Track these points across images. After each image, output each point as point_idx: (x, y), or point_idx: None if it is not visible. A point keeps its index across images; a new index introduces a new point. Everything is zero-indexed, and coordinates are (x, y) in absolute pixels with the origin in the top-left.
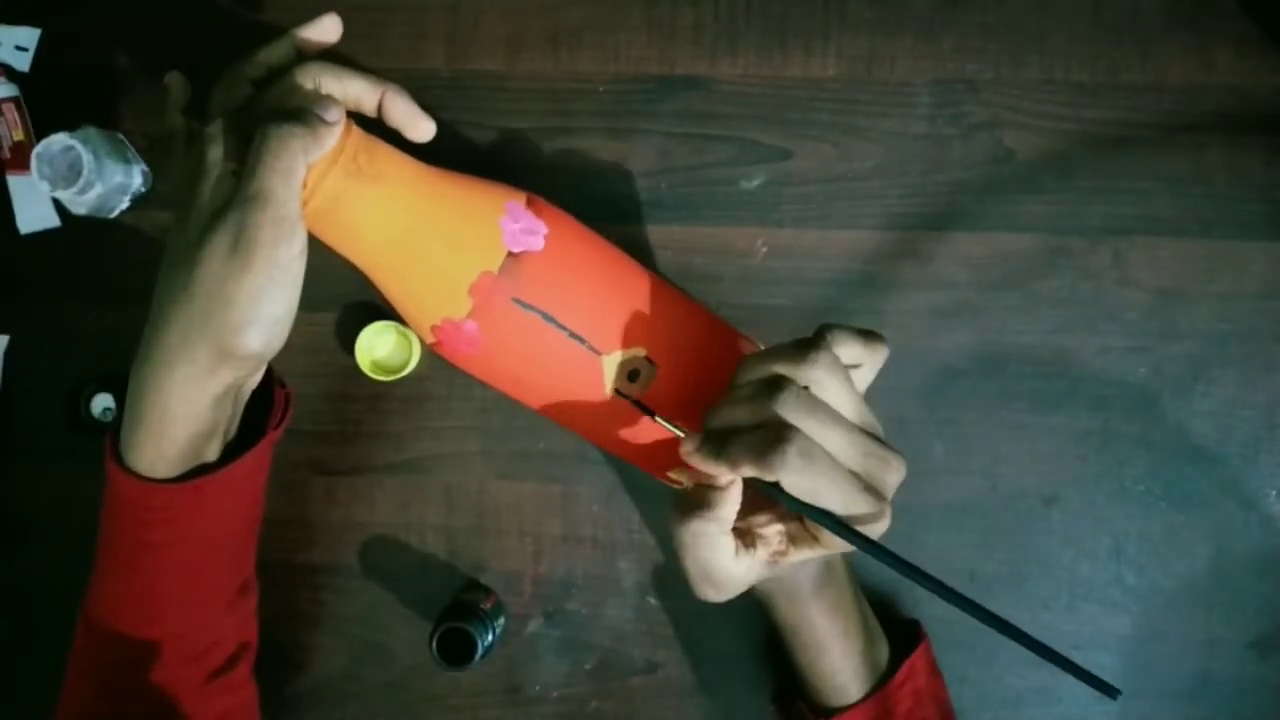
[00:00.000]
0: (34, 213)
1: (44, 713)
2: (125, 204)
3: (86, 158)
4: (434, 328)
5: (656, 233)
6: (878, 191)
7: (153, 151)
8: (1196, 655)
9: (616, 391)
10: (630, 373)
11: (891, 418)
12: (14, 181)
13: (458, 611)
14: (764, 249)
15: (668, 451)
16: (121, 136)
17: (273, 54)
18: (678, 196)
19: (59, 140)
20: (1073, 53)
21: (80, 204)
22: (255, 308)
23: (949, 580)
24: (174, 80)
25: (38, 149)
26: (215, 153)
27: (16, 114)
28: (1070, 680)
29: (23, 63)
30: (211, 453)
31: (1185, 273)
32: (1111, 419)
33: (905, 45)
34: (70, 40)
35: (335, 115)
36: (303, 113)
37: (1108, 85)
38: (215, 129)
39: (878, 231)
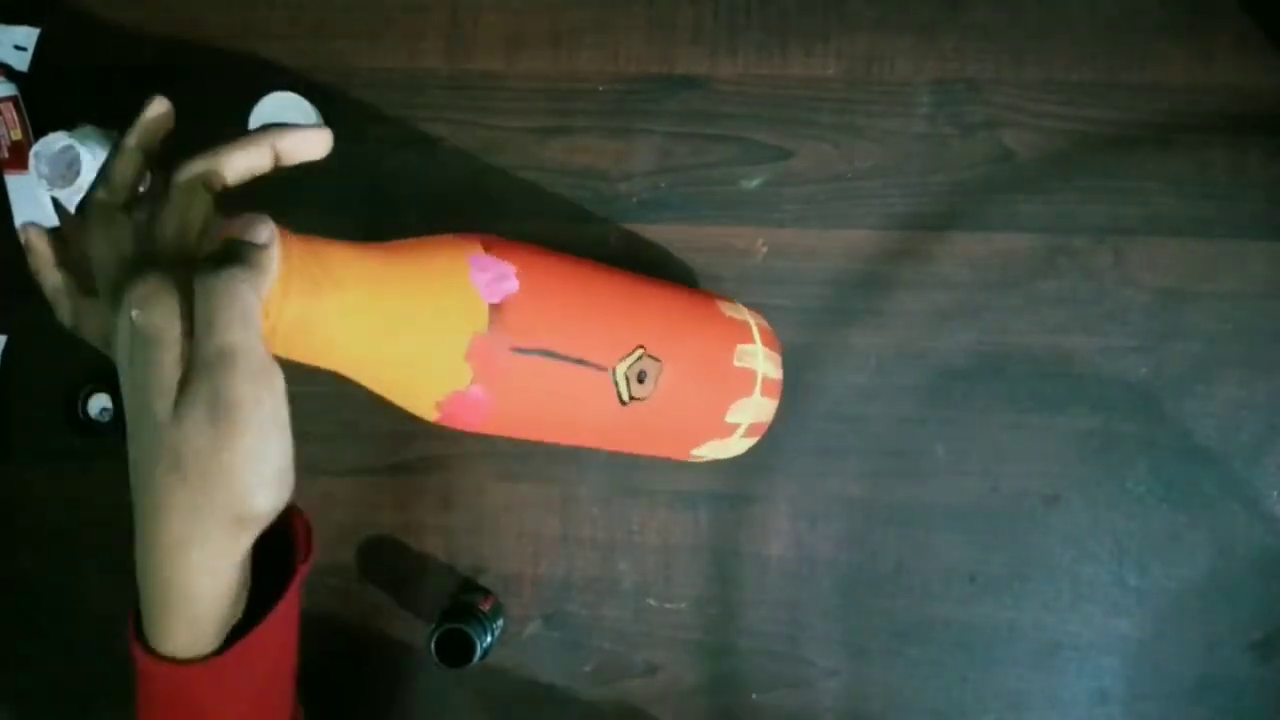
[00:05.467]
0: (32, 212)
1: (44, 710)
2: None
3: (85, 157)
4: (439, 404)
5: (656, 233)
6: (878, 191)
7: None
8: (1198, 656)
9: (633, 398)
10: (639, 374)
11: (892, 418)
12: (12, 181)
13: (457, 612)
14: (764, 249)
15: (687, 432)
16: (120, 136)
17: (125, 170)
18: (678, 196)
19: (57, 139)
20: (1073, 53)
21: (79, 202)
22: (257, 470)
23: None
24: (32, 234)
25: (36, 148)
26: (156, 319)
27: (15, 113)
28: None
29: (22, 62)
30: (241, 608)
31: (1186, 272)
32: (1113, 419)
33: (905, 45)
34: (70, 40)
35: (266, 234)
36: (231, 248)
37: (1108, 85)
38: (145, 290)
39: (878, 231)
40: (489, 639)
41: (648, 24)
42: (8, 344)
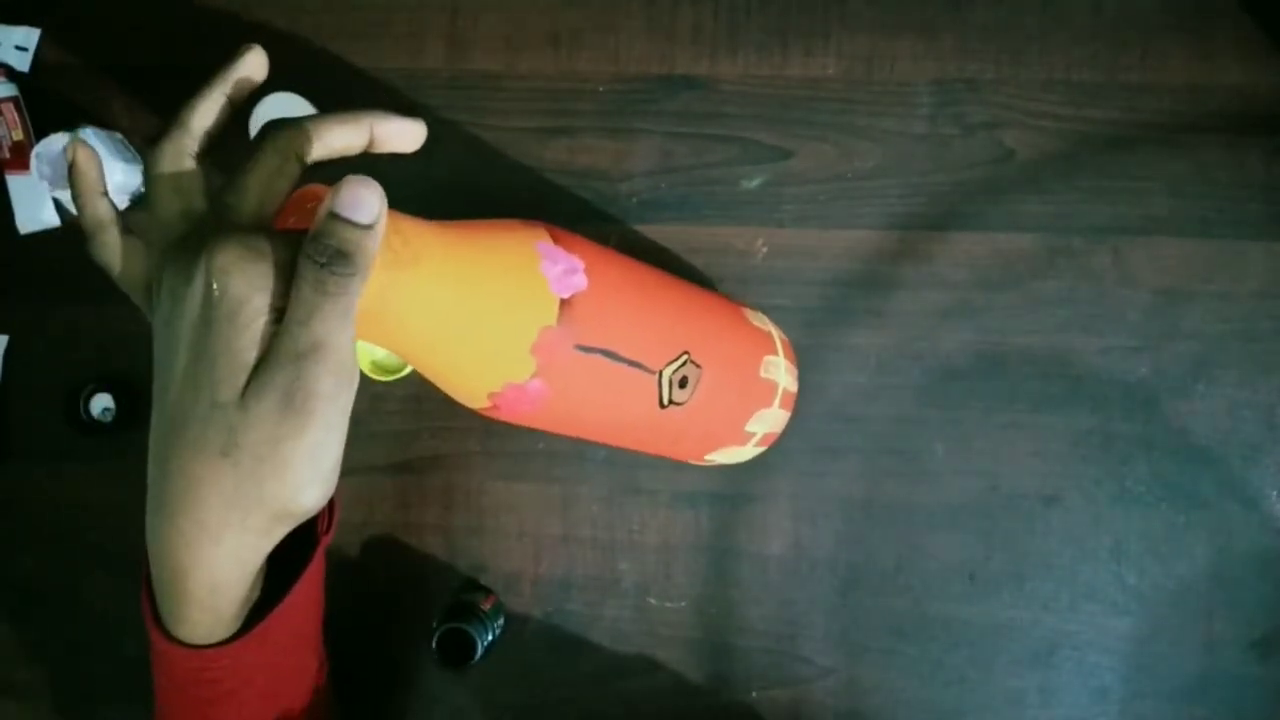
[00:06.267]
0: (33, 213)
1: (44, 710)
2: (124, 203)
3: None
4: (492, 394)
5: (656, 233)
6: (878, 191)
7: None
8: (1197, 655)
9: (672, 402)
10: (682, 380)
11: (892, 418)
12: (13, 181)
13: (458, 611)
14: (764, 249)
15: (708, 438)
16: (121, 136)
17: (205, 118)
18: (678, 196)
19: (58, 140)
20: (1073, 52)
21: None
22: (314, 465)
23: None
24: (81, 155)
25: (37, 149)
26: (243, 290)
27: (16, 114)
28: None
29: (22, 63)
30: (259, 589)
31: (1186, 272)
32: (1112, 419)
33: (906, 45)
34: (70, 40)
35: (373, 212)
36: (338, 233)
37: (1108, 85)
38: (232, 257)
39: (878, 231)
40: (490, 638)
41: (648, 24)
42: (8, 344)
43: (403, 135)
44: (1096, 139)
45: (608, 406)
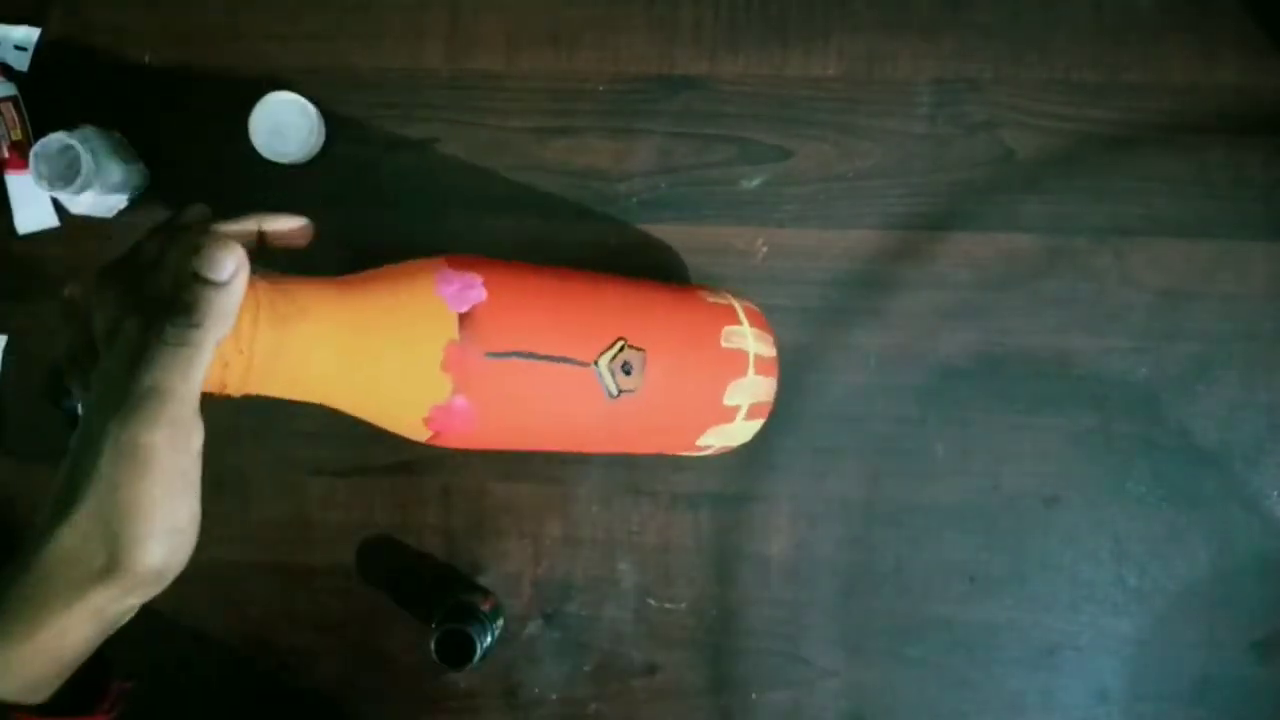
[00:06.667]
0: (32, 213)
1: (40, 708)
2: (124, 202)
3: (85, 157)
4: (426, 420)
5: (656, 233)
6: (878, 191)
7: (151, 151)
8: (1198, 656)
9: (622, 390)
10: (624, 365)
11: (892, 418)
12: (12, 181)
13: (457, 612)
14: (764, 249)
15: (686, 420)
16: (120, 136)
17: (150, 255)
18: (678, 196)
19: (57, 139)
20: (1074, 52)
21: (78, 202)
22: (150, 518)
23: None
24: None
25: (35, 148)
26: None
27: (15, 113)
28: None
29: (21, 62)
30: (45, 692)
31: (1187, 273)
32: (1113, 419)
33: (906, 45)
34: (70, 40)
35: (227, 271)
36: (192, 292)
37: (1109, 85)
38: (126, 327)
39: (878, 231)
40: (489, 639)
41: (648, 24)
42: (8, 344)
43: (286, 230)
44: (1096, 139)
45: (550, 409)
